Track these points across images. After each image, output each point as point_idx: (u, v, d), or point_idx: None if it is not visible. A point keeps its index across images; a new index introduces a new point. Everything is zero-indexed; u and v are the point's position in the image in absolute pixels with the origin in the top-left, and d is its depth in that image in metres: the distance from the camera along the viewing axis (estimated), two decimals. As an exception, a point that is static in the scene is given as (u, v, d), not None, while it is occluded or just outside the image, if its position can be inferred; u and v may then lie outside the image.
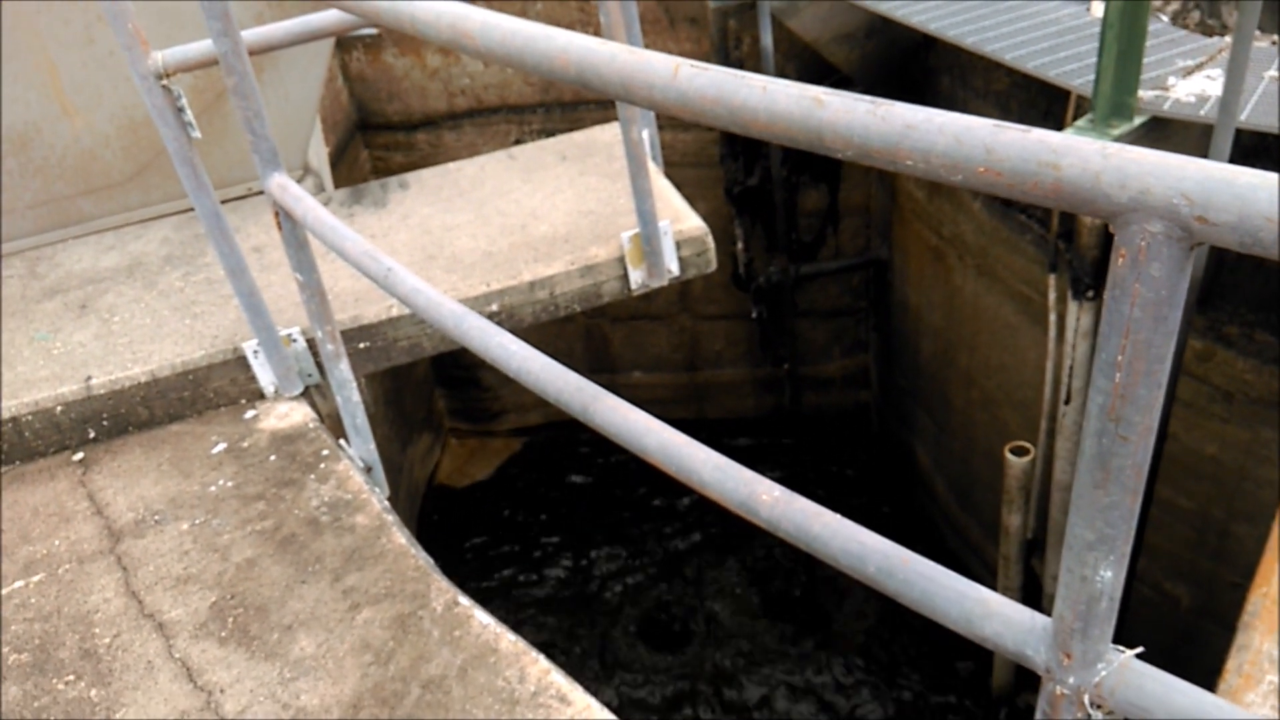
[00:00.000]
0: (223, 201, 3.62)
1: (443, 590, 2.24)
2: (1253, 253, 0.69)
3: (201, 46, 2.25)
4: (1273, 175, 0.68)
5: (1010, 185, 0.78)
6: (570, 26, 6.64)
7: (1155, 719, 0.93)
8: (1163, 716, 0.92)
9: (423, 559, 2.34)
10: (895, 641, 6.28)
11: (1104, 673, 0.96)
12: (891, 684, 6.08)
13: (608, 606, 6.82)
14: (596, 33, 3.83)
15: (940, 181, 0.83)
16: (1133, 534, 0.89)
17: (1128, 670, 0.96)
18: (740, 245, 7.13)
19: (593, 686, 6.15)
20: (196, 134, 2.42)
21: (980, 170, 0.79)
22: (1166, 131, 3.66)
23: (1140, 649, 0.98)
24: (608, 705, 1.95)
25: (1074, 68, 4.03)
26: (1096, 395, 0.82)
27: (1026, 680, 5.59)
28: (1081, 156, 0.74)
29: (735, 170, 6.79)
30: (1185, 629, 4.61)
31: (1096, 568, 0.90)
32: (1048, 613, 0.99)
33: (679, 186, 3.44)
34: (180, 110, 2.38)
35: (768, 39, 5.77)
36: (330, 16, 2.28)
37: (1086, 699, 0.97)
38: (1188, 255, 0.73)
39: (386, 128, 7.12)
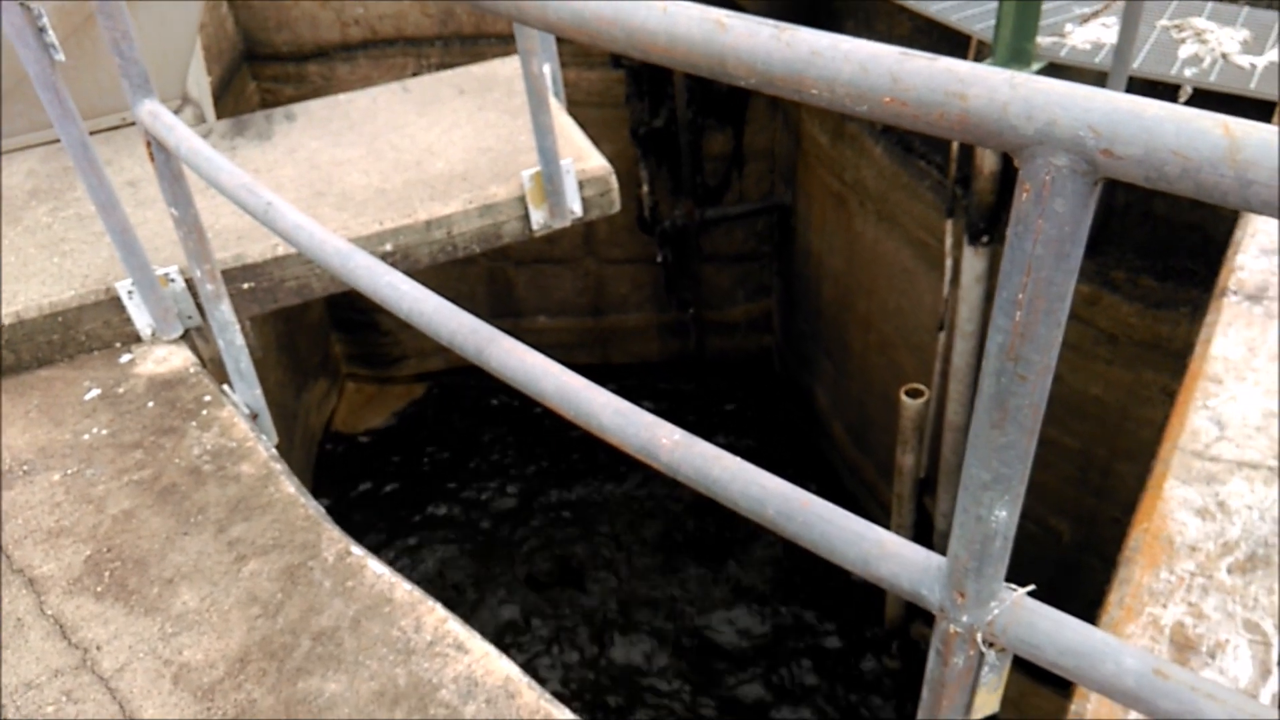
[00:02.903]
0: (95, 132, 3.40)
1: (334, 540, 2.17)
2: (1157, 187, 0.67)
3: (60, -41, 2.07)
4: (1180, 108, 0.66)
5: (915, 116, 0.74)
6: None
7: (1045, 655, 0.93)
8: (1053, 653, 0.93)
9: (313, 508, 2.26)
10: (791, 578, 6.43)
11: (996, 611, 0.97)
12: (785, 618, 6.23)
13: (510, 552, 6.80)
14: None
15: (846, 112, 0.79)
16: (1027, 474, 0.89)
17: (1020, 609, 0.97)
18: (645, 188, 7.06)
19: (494, 633, 6.15)
20: (60, 56, 2.24)
21: (886, 100, 0.75)
22: (1063, 77, 3.71)
23: (1032, 587, 0.99)
24: (507, 652, 1.92)
25: (975, 12, 4.06)
26: (996, 334, 0.80)
27: (918, 612, 5.80)
28: (989, 86, 0.71)
29: (641, 111, 6.70)
30: (1067, 562, 4.82)
31: (991, 507, 0.90)
32: (939, 550, 0.99)
33: (583, 127, 3.36)
34: (41, 30, 2.19)
35: (673, -24, 5.66)
36: (204, -70, 2.12)
37: (979, 637, 0.98)
38: (1092, 190, 0.71)
39: (275, 59, 6.78)
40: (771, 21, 0.82)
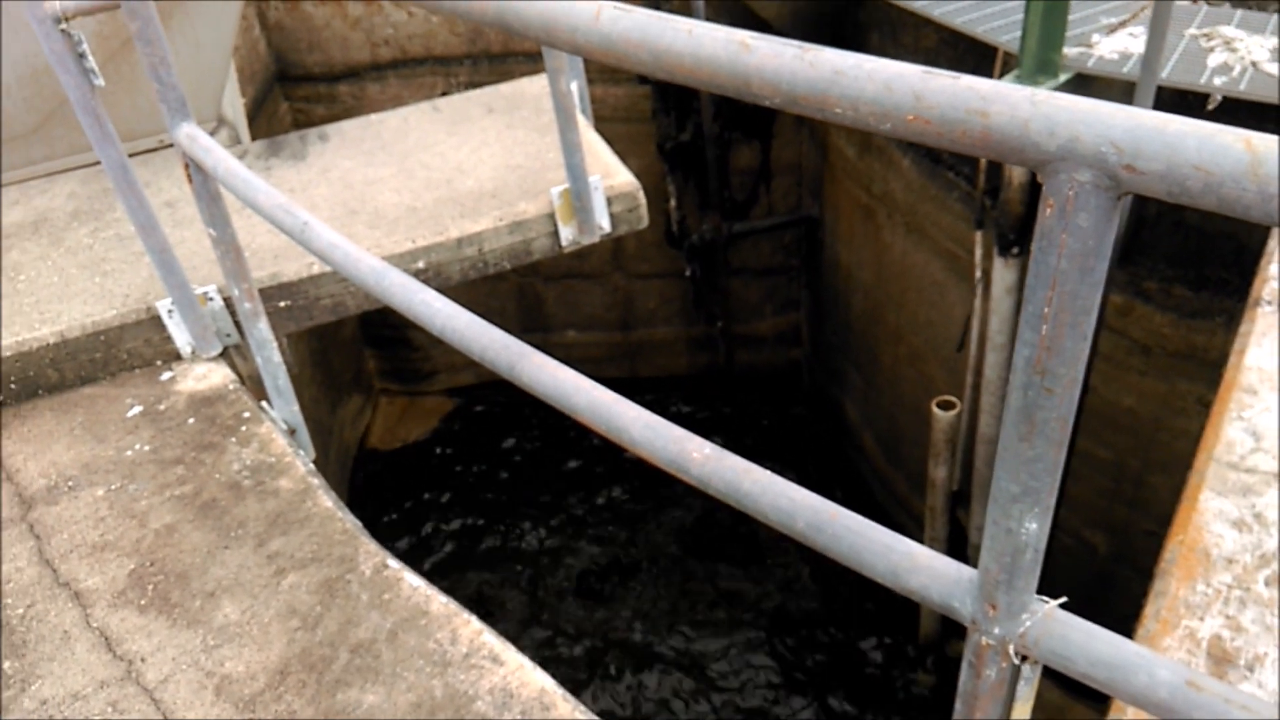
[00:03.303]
0: (134, 154, 3.48)
1: (371, 553, 2.20)
2: (1180, 202, 0.68)
3: (102, -11, 2.13)
4: (1202, 123, 0.67)
5: (939, 134, 0.76)
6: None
7: (1077, 667, 0.94)
8: (1085, 665, 0.93)
9: (350, 522, 2.29)
10: (825, 592, 6.40)
11: (1028, 623, 0.97)
12: (819, 633, 6.20)
13: (543, 567, 6.83)
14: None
15: (869, 130, 0.81)
16: (1057, 487, 0.89)
17: (1051, 621, 0.97)
18: (673, 203, 7.09)
19: (528, 647, 6.16)
20: (100, 81, 2.30)
21: (909, 118, 0.77)
22: (1090, 88, 3.71)
23: (1064, 599, 0.99)
24: (543, 665, 1.94)
25: (1001, 24, 4.05)
26: (1022, 348, 0.81)
27: (953, 628, 5.75)
28: (1010, 104, 0.73)
29: (667, 126, 6.73)
30: (1102, 575, 4.77)
31: (1021, 520, 0.91)
32: (973, 563, 0.99)
33: (610, 142, 3.39)
34: (81, 56, 2.26)
35: (699, -8, 5.71)
36: (241, -42, 2.18)
37: (1011, 649, 0.98)
38: (1115, 205, 0.72)
39: (307, 79, 6.89)
40: (795, 42, 0.84)
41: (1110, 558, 4.71)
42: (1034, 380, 0.81)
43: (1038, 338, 0.79)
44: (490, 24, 1.07)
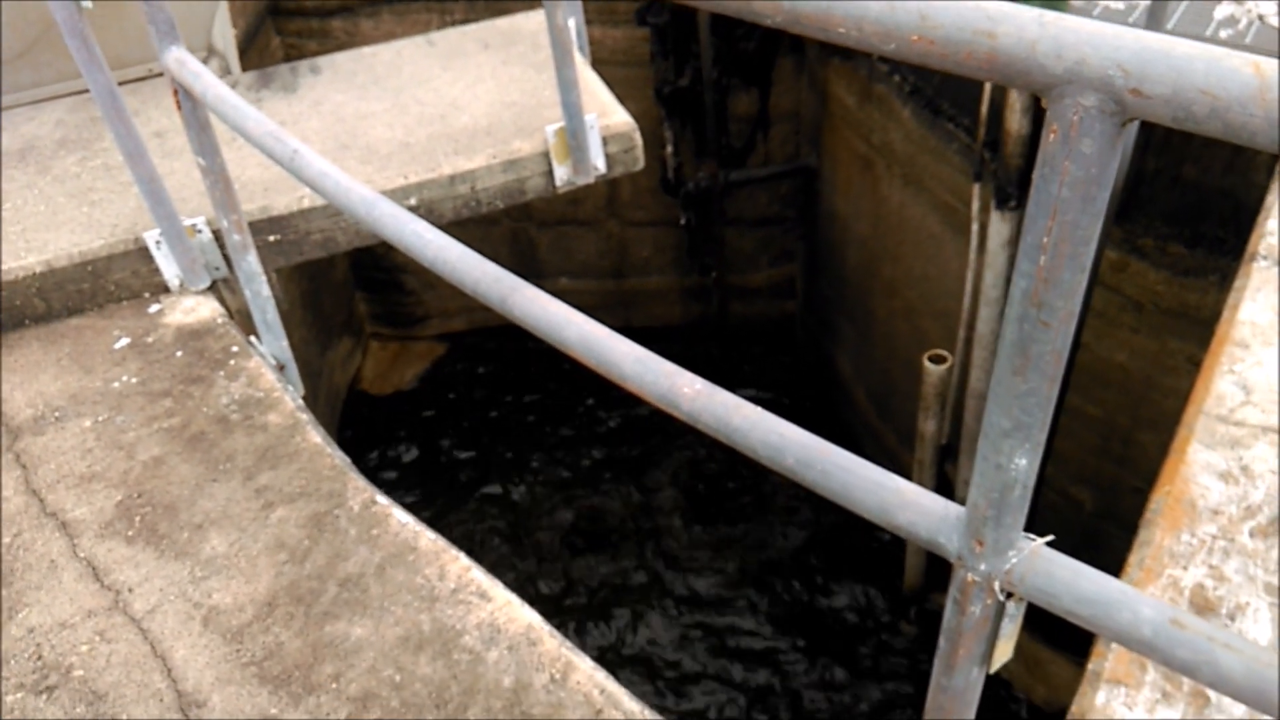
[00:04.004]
0: (123, 83, 3.41)
1: (360, 489, 2.20)
2: (1185, 127, 0.66)
3: (88, -94, 2.08)
4: (1210, 47, 0.65)
5: (944, 55, 0.74)
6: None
7: (1062, 604, 0.94)
8: (1069, 602, 0.93)
9: (339, 458, 2.29)
10: (808, 542, 6.46)
11: (1014, 560, 0.97)
12: (802, 586, 6.27)
13: (532, 512, 6.86)
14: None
15: (872, 50, 0.78)
16: (1049, 422, 0.89)
17: (1038, 558, 0.97)
18: (669, 149, 7.01)
19: (520, 588, 6.22)
20: (88, 4, 2.25)
21: (914, 38, 0.75)
22: (1095, 40, 3.65)
23: (1050, 536, 0.99)
24: (533, 604, 1.95)
25: (1008, -28, 3.98)
26: (1020, 280, 0.80)
27: (936, 580, 5.81)
28: (1018, 25, 0.71)
29: (665, 70, 6.64)
30: (1088, 531, 4.81)
31: (1011, 455, 0.90)
32: (962, 509, 0.99)
33: (608, 86, 3.34)
34: (68, -23, 2.20)
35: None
36: (231, -122, 2.11)
37: (997, 585, 0.99)
38: (1120, 131, 0.70)
39: (299, 13, 6.76)
40: (800, -40, 0.81)
41: (1097, 514, 4.75)
42: (1030, 313, 0.80)
43: (1035, 268, 0.78)
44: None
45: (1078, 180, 0.72)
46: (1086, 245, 0.76)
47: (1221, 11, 3.49)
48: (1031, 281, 0.79)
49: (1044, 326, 0.81)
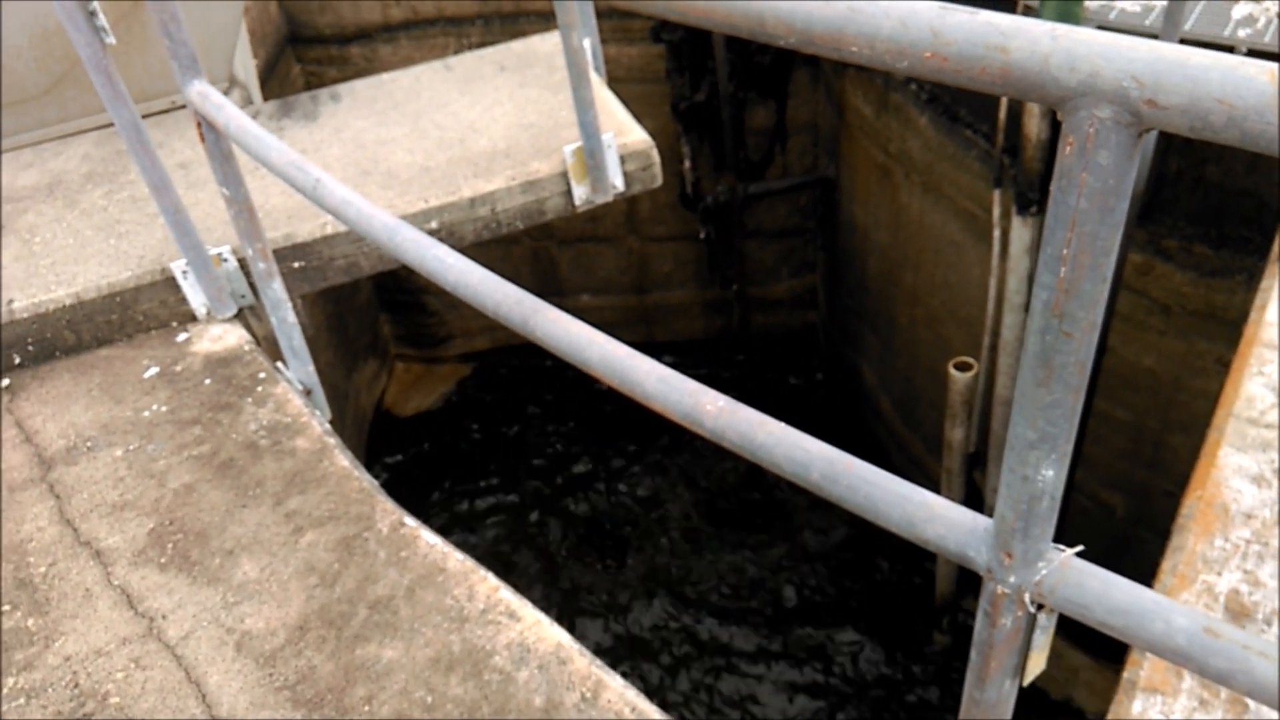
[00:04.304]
0: (146, 115, 3.47)
1: (388, 511, 2.21)
2: (1202, 137, 0.66)
3: (111, -55, 2.12)
4: (1225, 56, 0.65)
5: (957, 70, 0.74)
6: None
7: (1094, 615, 0.93)
8: (1101, 613, 0.92)
9: (367, 481, 2.31)
10: (839, 553, 6.42)
11: (1044, 571, 0.96)
12: (836, 596, 6.23)
13: (559, 530, 6.87)
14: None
15: (886, 69, 0.79)
16: (1074, 433, 0.88)
17: (1068, 569, 0.96)
18: (687, 164, 7.03)
19: (547, 607, 6.22)
20: (111, 40, 2.29)
21: (927, 55, 0.75)
22: (1112, 43, 3.63)
23: (1080, 547, 0.98)
24: (561, 623, 1.95)
25: (1022, -22, 3.98)
26: (1041, 291, 0.80)
27: (968, 590, 5.76)
28: (1031, 39, 0.71)
29: (682, 86, 6.66)
30: (1120, 536, 4.76)
31: (1038, 467, 0.90)
32: (990, 519, 0.98)
33: (625, 103, 3.36)
34: (92, 14, 2.24)
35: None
36: (249, -87, 2.15)
37: (1027, 597, 0.98)
38: (1136, 142, 0.70)
39: (319, 41, 6.85)
40: (811, -19, 0.82)
41: (1129, 519, 4.70)
42: (1052, 324, 0.80)
43: (1056, 280, 0.78)
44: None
45: (1095, 191, 0.72)
46: (1107, 256, 0.76)
47: (1240, 11, 3.47)
48: (1053, 293, 0.79)
49: (1066, 337, 0.80)
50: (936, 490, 5.53)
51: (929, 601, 6.01)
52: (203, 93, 2.10)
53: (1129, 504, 4.63)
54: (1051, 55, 0.70)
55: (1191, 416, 4.09)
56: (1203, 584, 1.64)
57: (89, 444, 2.51)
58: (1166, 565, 1.68)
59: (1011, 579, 0.98)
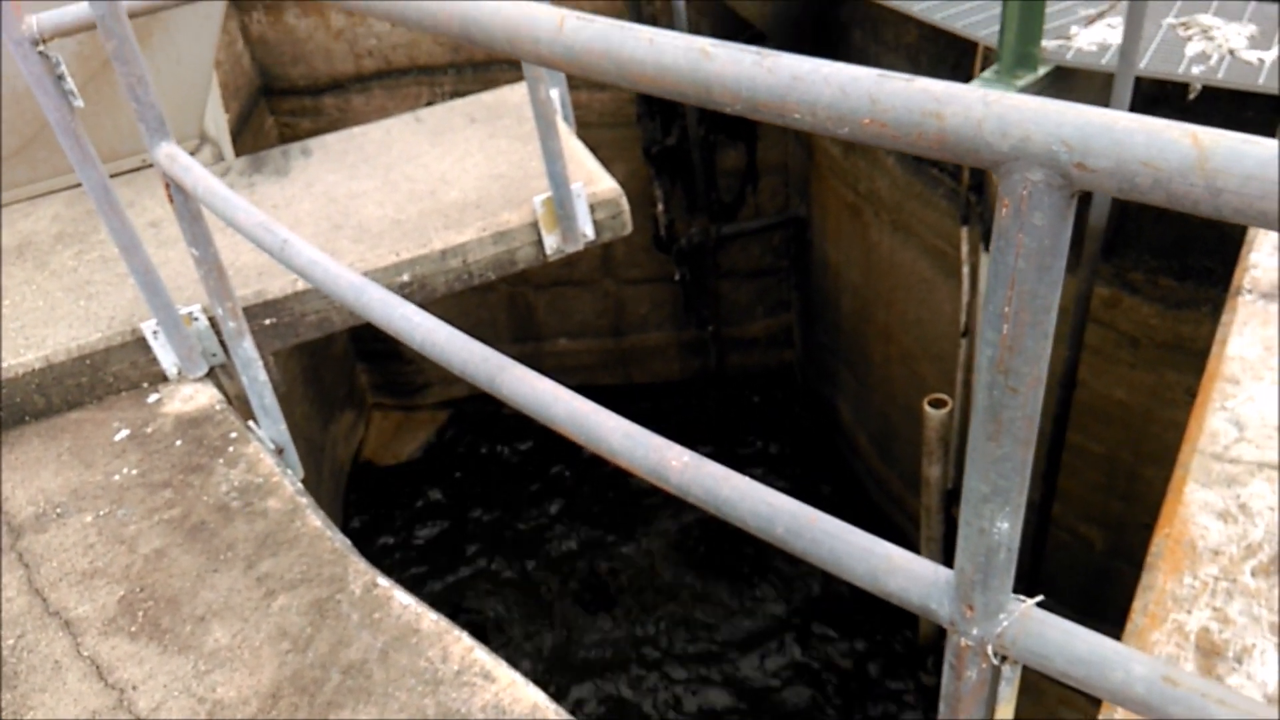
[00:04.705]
0: (118, 174, 3.47)
1: (361, 572, 2.19)
2: (1130, 198, 0.68)
3: (79, 9, 2.13)
4: (1149, 120, 0.67)
5: (895, 136, 0.76)
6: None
7: (1055, 666, 0.94)
8: (1062, 663, 0.93)
9: (339, 541, 2.29)
10: (823, 593, 6.39)
11: (1005, 623, 0.97)
12: (818, 633, 6.20)
13: (539, 578, 6.81)
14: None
15: (828, 135, 0.81)
16: (1026, 486, 0.89)
17: (1028, 620, 0.97)
18: (660, 207, 7.09)
19: (530, 662, 6.15)
20: (79, 103, 2.30)
21: (865, 122, 0.77)
22: (1070, 80, 3.72)
23: (1040, 598, 0.99)
24: (545, 676, 1.93)
25: (980, 19, 4.06)
26: (985, 348, 0.81)
27: (951, 624, 5.73)
28: (964, 105, 0.73)
29: (653, 130, 6.74)
30: (1099, 570, 4.77)
31: (993, 520, 0.91)
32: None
33: (596, 147, 3.39)
34: (60, 78, 2.25)
35: (680, -5, 5.71)
36: (213, -22, 2.18)
37: (990, 650, 0.98)
38: (1069, 203, 0.72)
39: (292, 92, 6.89)
40: (754, 49, 0.84)
41: (1107, 552, 4.71)
42: (998, 379, 0.81)
43: (999, 337, 0.79)
44: (455, 36, 1.07)
45: (1032, 251, 0.74)
46: (1047, 313, 0.77)
47: (1193, 49, 3.55)
48: (996, 350, 0.80)
49: (1013, 393, 0.82)
50: (916, 527, 5.54)
51: (912, 642, 5.99)
52: (171, 155, 2.10)
53: (1106, 537, 4.65)
54: (984, 121, 0.72)
55: (1164, 448, 4.12)
56: (1173, 623, 1.65)
57: (59, 510, 2.48)
58: (1137, 605, 1.69)
59: (974, 631, 0.98)
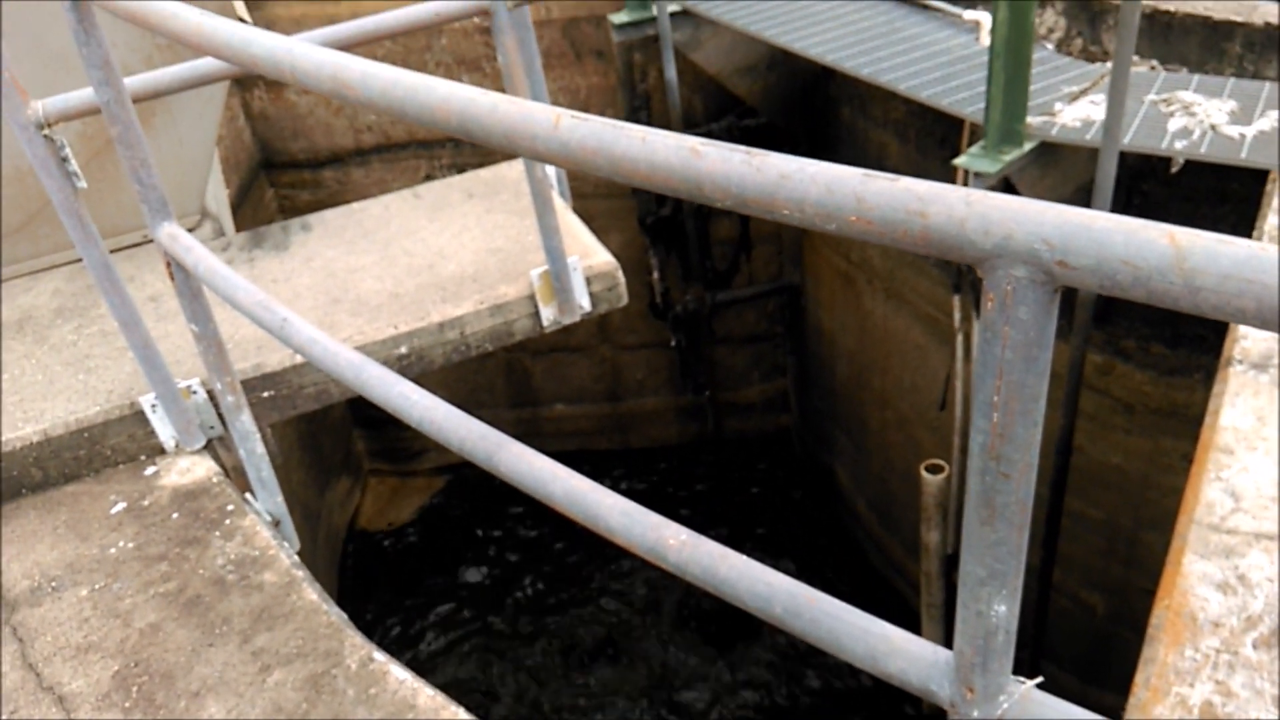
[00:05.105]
0: (119, 249, 3.51)
1: (357, 646, 2.18)
2: (1112, 294, 0.70)
3: (83, 95, 2.18)
4: (1127, 220, 0.70)
5: (881, 233, 0.79)
6: (476, 61, 6.63)
7: (1055, 749, 0.94)
8: (1061, 746, 0.93)
9: (335, 614, 2.27)
10: (826, 659, 6.32)
11: (1005, 705, 0.97)
12: (821, 700, 6.11)
13: (536, 645, 6.73)
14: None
15: (817, 230, 0.83)
16: (1023, 569, 0.90)
17: (1029, 701, 0.97)
18: (656, 275, 7.17)
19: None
20: (82, 184, 2.34)
21: (852, 219, 0.80)
22: (1055, 156, 3.79)
23: (1040, 679, 0.99)
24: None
25: (966, 95, 4.16)
26: (977, 435, 0.83)
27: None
28: (947, 204, 0.76)
29: (648, 200, 6.84)
30: (1102, 636, 4.73)
31: (990, 603, 0.92)
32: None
33: (593, 218, 3.44)
34: (64, 160, 2.30)
35: (672, 72, 5.84)
36: (218, 61, 2.23)
37: (990, 732, 0.98)
38: (1053, 298, 0.74)
39: (292, 166, 7.00)
40: (742, 148, 0.87)
41: (1109, 618, 4.68)
42: (990, 465, 0.83)
43: (990, 425, 0.81)
44: (454, 132, 1.11)
45: (1018, 343, 0.76)
46: (1035, 402, 0.79)
47: (1175, 124, 3.64)
48: (988, 437, 0.82)
49: (1005, 478, 0.83)
50: (917, 593, 5.50)
51: (919, 708, 5.91)
52: (173, 235, 2.14)
53: (1108, 603, 4.62)
54: (967, 220, 0.74)
55: (1163, 513, 4.12)
56: (1176, 696, 1.64)
57: (54, 584, 2.47)
58: (1139, 678, 1.69)
59: (975, 714, 0.98)
